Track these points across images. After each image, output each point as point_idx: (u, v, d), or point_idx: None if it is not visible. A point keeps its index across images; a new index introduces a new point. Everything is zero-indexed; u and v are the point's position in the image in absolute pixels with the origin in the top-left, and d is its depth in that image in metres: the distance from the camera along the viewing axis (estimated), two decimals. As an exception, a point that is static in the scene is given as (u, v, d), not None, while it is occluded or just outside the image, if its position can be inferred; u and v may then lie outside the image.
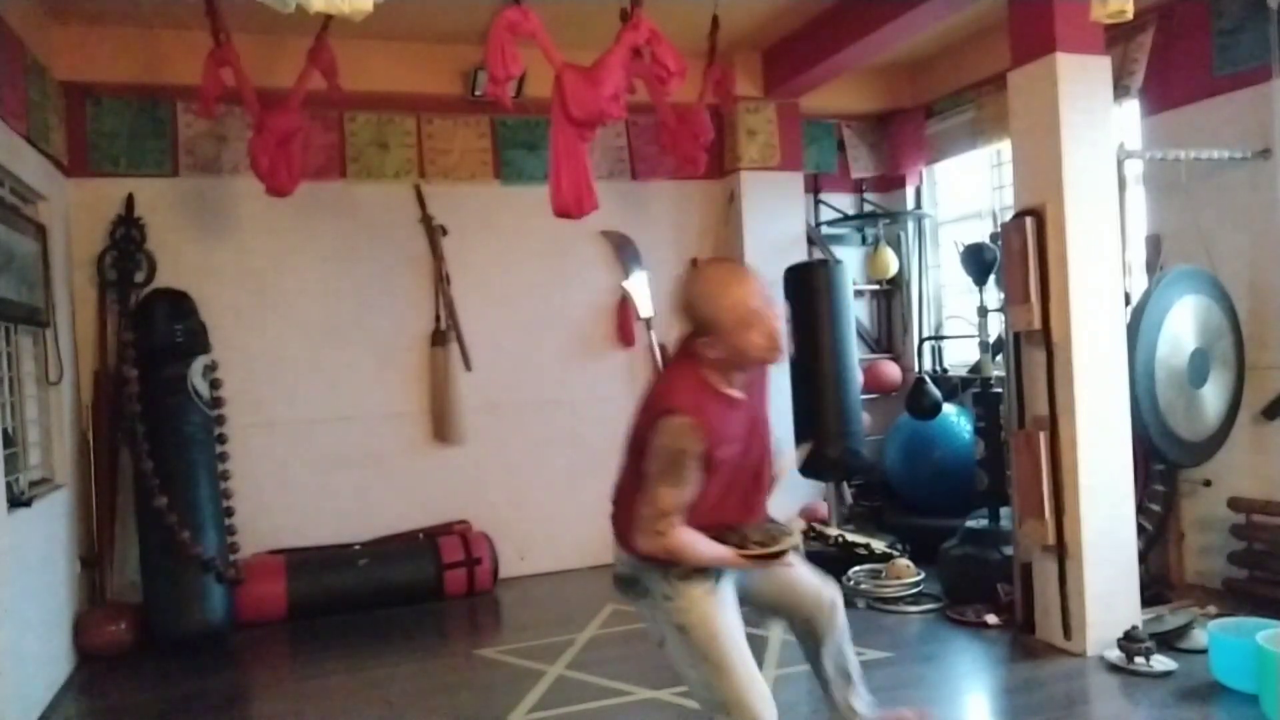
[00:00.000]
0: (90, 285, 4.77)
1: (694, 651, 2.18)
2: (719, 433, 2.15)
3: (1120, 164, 3.95)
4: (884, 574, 4.66)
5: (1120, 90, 4.49)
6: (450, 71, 5.23)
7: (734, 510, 2.28)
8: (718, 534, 2.21)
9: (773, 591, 2.41)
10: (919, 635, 4.17)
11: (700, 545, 2.16)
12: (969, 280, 4.96)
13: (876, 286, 6.51)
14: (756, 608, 2.32)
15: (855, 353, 5.27)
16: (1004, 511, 4.40)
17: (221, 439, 4.70)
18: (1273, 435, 4.20)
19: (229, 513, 4.68)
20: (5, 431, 3.75)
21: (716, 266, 2.51)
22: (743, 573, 2.30)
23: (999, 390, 4.49)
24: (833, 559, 4.50)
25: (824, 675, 2.49)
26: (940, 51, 5.84)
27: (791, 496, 5.01)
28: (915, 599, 4.52)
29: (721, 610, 2.20)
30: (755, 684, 2.16)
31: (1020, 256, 3.81)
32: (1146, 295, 3.95)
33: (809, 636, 2.46)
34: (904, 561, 4.65)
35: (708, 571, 2.20)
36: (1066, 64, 3.73)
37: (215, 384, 4.70)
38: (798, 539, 2.31)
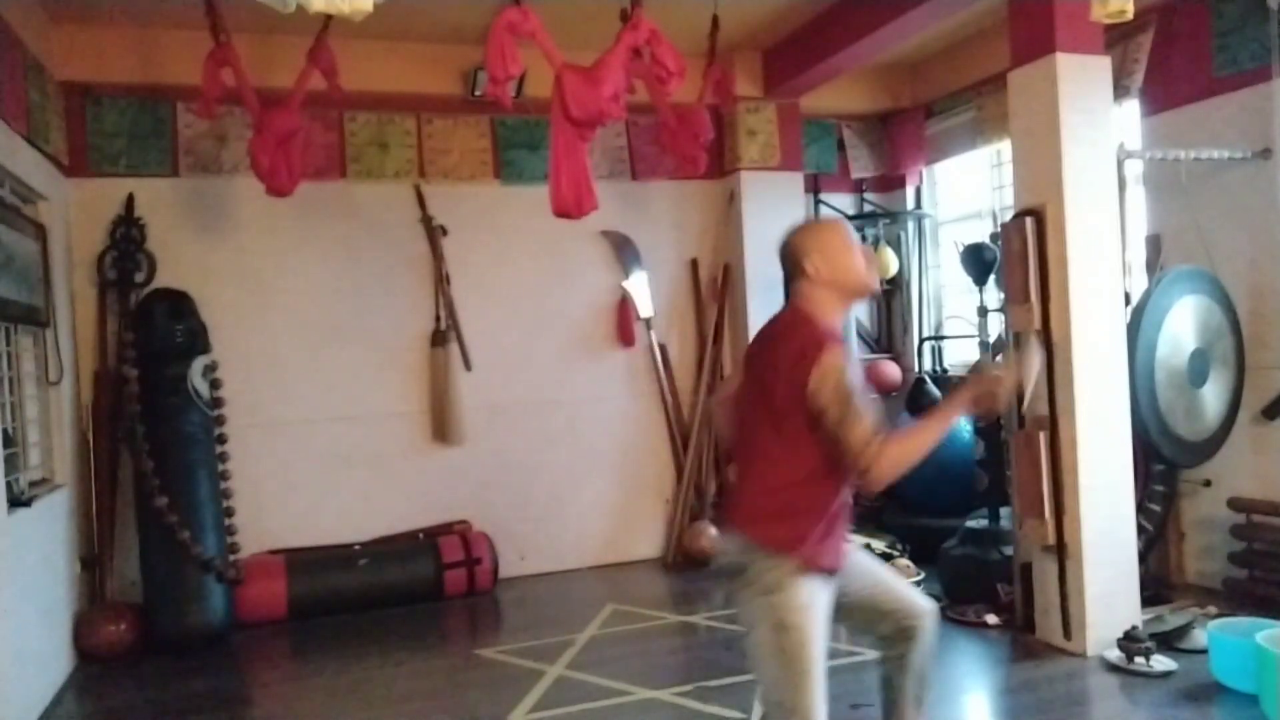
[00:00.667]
0: (90, 285, 4.76)
1: (783, 651, 2.14)
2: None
3: (1120, 164, 3.95)
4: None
5: (1120, 90, 4.49)
6: (450, 71, 5.23)
7: None
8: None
9: (865, 598, 2.35)
10: (919, 635, 4.16)
11: (916, 434, 2.16)
12: (969, 280, 4.96)
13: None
14: (843, 618, 2.29)
15: (856, 352, 5.27)
16: (1004, 511, 4.41)
17: (221, 439, 4.70)
18: (1273, 435, 4.20)
19: (229, 513, 4.68)
20: (5, 431, 3.75)
21: None
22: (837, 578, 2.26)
23: (999, 390, 4.48)
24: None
25: (896, 695, 2.40)
26: (940, 51, 5.84)
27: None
28: (915, 599, 4.51)
29: (819, 619, 2.18)
30: (822, 701, 2.15)
31: (1020, 256, 3.81)
32: (1146, 295, 3.95)
33: (896, 645, 2.38)
34: (904, 561, 4.65)
35: (814, 571, 2.16)
36: (1066, 64, 3.73)
37: (215, 384, 4.69)
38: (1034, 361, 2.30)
